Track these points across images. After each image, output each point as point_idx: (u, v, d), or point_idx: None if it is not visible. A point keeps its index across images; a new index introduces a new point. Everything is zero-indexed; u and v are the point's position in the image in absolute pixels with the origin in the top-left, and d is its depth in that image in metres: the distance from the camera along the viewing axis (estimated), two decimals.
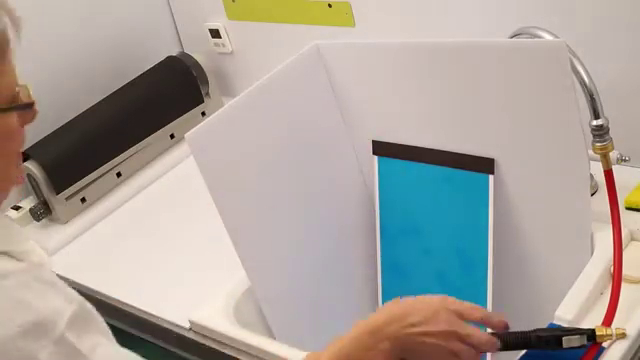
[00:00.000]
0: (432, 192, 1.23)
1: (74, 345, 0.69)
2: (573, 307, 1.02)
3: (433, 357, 0.83)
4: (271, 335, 1.22)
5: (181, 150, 1.73)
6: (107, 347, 0.74)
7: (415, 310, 0.84)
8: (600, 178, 1.10)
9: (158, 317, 1.30)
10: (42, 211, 1.59)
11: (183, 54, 1.82)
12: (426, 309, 0.83)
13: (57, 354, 0.68)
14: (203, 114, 1.78)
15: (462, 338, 0.83)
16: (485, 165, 1.16)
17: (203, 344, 1.22)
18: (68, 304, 0.72)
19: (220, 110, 1.17)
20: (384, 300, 1.36)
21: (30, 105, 0.81)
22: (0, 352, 0.66)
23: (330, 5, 1.55)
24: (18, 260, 0.73)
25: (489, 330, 0.89)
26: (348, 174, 1.35)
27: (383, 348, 0.82)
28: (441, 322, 0.82)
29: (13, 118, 0.79)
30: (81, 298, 0.76)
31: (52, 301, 0.71)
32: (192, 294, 1.29)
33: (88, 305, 0.76)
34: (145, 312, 1.33)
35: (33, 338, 0.67)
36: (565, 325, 1.00)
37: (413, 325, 0.82)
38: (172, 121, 1.74)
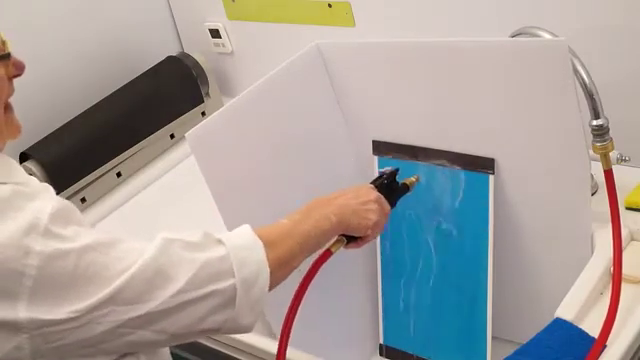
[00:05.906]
0: (432, 192, 1.24)
1: (59, 233, 0.79)
2: (573, 307, 1.02)
3: (370, 218, 1.07)
4: (271, 334, 1.22)
5: (181, 150, 1.73)
6: (91, 231, 0.83)
7: (349, 190, 1.09)
8: (600, 178, 1.10)
9: None
10: None
11: (183, 54, 1.82)
12: (356, 189, 1.10)
13: (46, 243, 0.78)
14: (203, 114, 1.78)
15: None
16: (485, 165, 1.17)
17: (203, 344, 1.22)
18: (47, 203, 0.81)
19: (220, 110, 1.17)
20: (384, 300, 1.36)
21: (6, 56, 0.87)
22: (1, 253, 0.77)
23: (330, 5, 1.55)
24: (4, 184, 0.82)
25: None
26: (348, 174, 1.35)
27: (331, 212, 1.03)
28: (371, 194, 1.10)
29: None
30: (61, 198, 0.84)
31: (31, 205, 0.80)
32: None
33: (69, 203, 0.84)
34: None
35: (24, 237, 0.77)
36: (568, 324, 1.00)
37: (353, 198, 1.07)
38: (172, 121, 1.74)
